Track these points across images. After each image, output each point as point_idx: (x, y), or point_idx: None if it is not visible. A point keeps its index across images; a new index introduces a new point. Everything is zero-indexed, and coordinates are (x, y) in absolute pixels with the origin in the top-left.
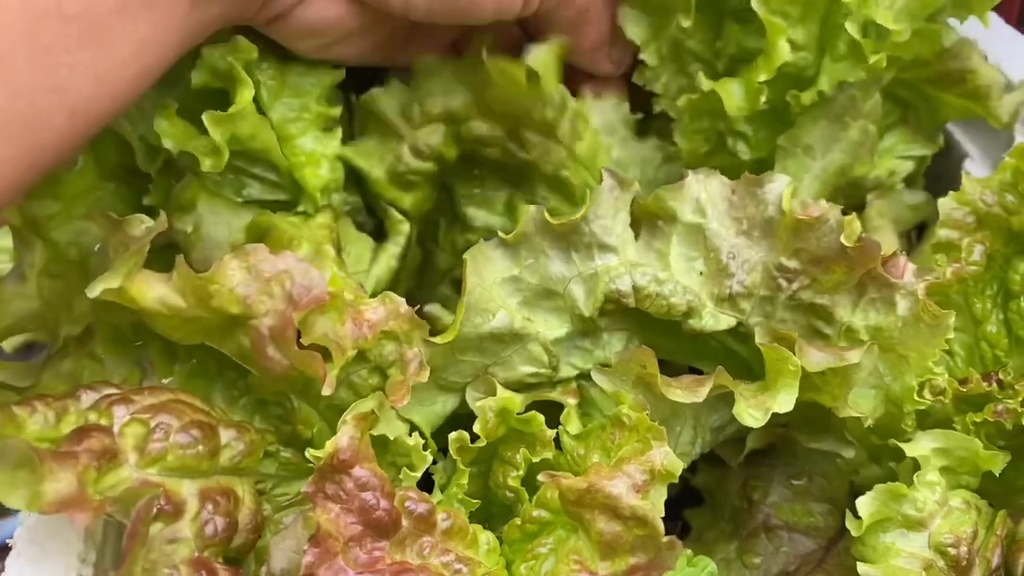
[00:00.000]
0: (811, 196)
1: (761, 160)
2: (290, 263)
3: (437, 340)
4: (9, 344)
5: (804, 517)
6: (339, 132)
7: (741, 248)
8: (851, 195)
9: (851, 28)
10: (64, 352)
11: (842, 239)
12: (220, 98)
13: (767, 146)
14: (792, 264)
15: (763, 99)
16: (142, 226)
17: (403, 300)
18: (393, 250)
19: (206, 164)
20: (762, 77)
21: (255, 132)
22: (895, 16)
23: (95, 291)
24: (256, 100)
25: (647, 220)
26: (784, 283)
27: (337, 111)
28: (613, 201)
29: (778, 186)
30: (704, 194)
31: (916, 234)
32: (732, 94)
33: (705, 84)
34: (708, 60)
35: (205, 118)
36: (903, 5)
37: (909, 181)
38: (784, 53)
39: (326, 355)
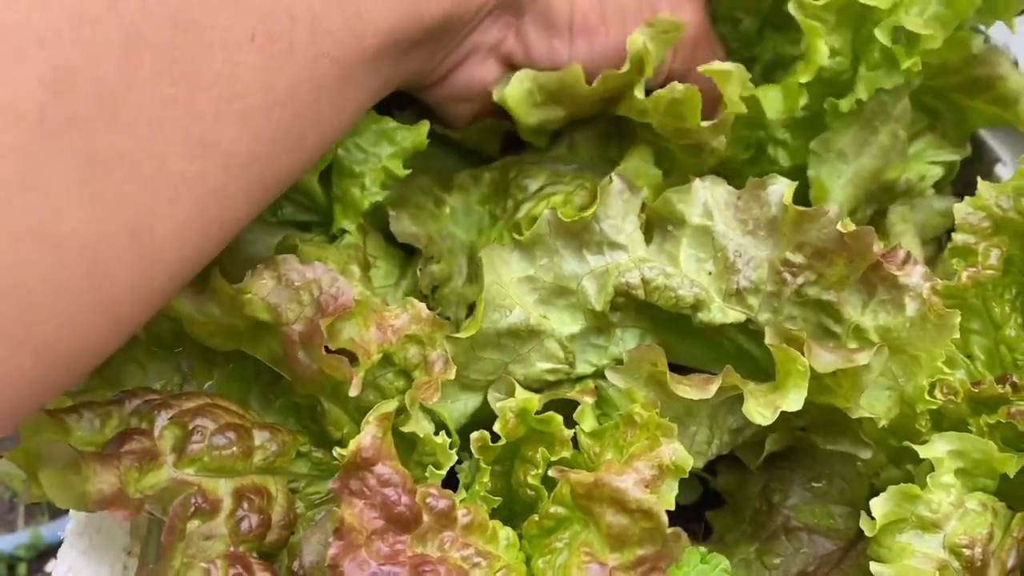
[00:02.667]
0: (844, 200)
1: (800, 167)
2: (319, 273)
3: (460, 335)
4: None
5: (824, 519)
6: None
7: (747, 247)
8: (883, 199)
9: (881, 35)
10: (110, 358)
11: (839, 228)
12: None
13: (805, 153)
14: (796, 259)
15: (802, 103)
16: None
17: (424, 305)
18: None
19: None
20: (803, 79)
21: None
22: (925, 23)
23: None
24: None
25: (657, 223)
26: (789, 277)
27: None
28: (622, 203)
29: (780, 187)
30: (711, 198)
31: (946, 239)
32: (771, 99)
33: (744, 91)
34: (746, 67)
35: None
36: (934, 12)
37: (939, 187)
38: (823, 56)
39: (353, 359)
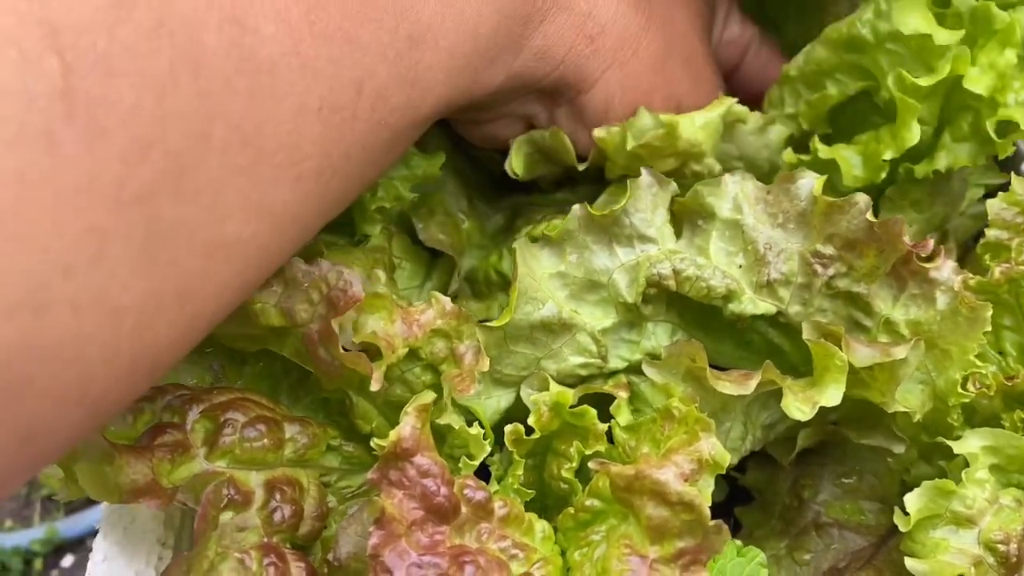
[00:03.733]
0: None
1: None
2: (324, 269)
3: (493, 323)
4: None
5: (855, 515)
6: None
7: (777, 239)
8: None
9: (990, 126)
10: None
11: (869, 217)
12: None
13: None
14: (826, 250)
15: (883, 176)
16: None
17: (448, 299)
18: (448, 264)
19: None
20: (887, 156)
21: None
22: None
23: None
24: None
25: (687, 218)
26: (820, 269)
27: None
28: (651, 197)
29: (810, 180)
30: (740, 192)
31: (972, 241)
32: (851, 164)
33: (822, 150)
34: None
35: None
36: None
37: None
38: (915, 136)
39: (377, 353)
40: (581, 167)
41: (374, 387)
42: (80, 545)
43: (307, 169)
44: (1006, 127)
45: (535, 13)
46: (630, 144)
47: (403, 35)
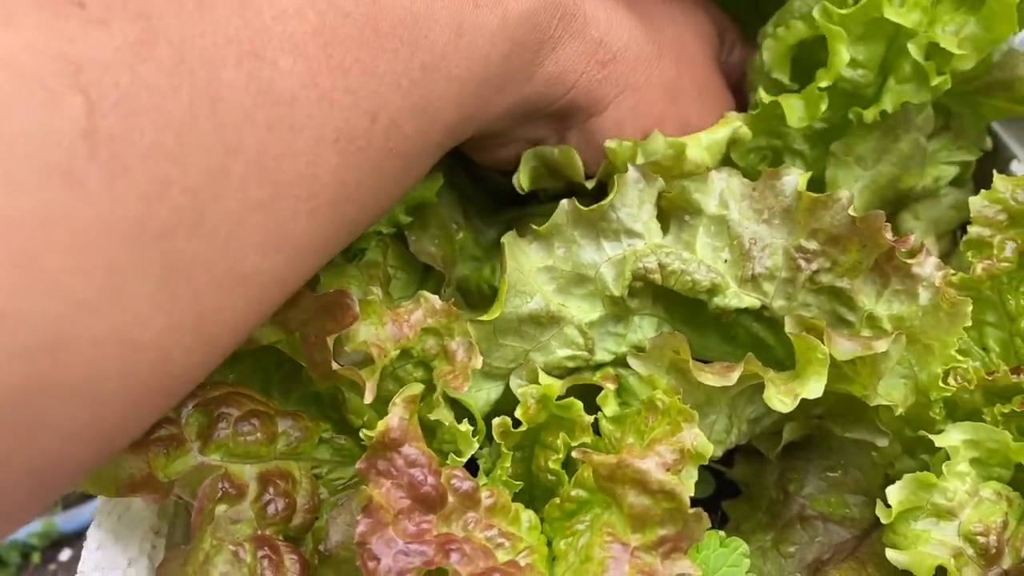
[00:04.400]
0: (860, 205)
1: (818, 180)
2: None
3: (483, 318)
4: None
5: (839, 508)
6: None
7: (762, 234)
8: (897, 203)
9: (914, 50)
10: None
11: (851, 212)
12: None
13: (823, 164)
14: (810, 245)
15: (823, 109)
16: None
17: (437, 297)
18: (442, 273)
19: None
20: (823, 84)
21: None
22: (960, 43)
23: None
24: None
25: (674, 213)
26: (803, 263)
27: None
28: (638, 192)
29: (794, 177)
30: (726, 188)
31: (961, 234)
32: (793, 108)
33: (765, 98)
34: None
35: None
36: (969, 33)
37: (955, 182)
38: (844, 59)
39: (369, 358)
40: (589, 184)
41: (367, 398)
42: (77, 539)
43: (324, 200)
44: (940, 60)
45: (547, 41)
46: (639, 160)
47: (416, 64)
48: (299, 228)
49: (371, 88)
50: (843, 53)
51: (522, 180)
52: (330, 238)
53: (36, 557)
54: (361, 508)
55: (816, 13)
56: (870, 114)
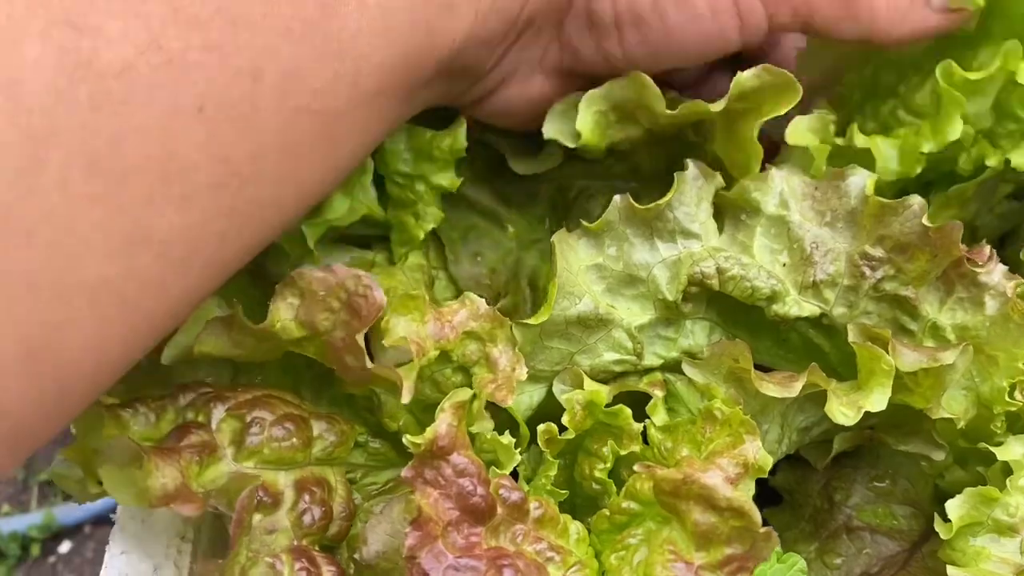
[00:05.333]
0: None
1: None
2: (340, 275)
3: (530, 321)
4: None
5: (887, 519)
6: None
7: (825, 239)
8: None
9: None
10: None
11: (924, 221)
12: None
13: None
14: (876, 252)
15: (918, 171)
16: None
17: (483, 300)
18: None
19: (296, 254)
20: (926, 148)
21: (352, 213)
22: None
23: (169, 357)
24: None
25: (731, 213)
26: (868, 271)
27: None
28: (696, 190)
29: (860, 179)
30: (787, 187)
31: (999, 242)
32: (887, 157)
33: (859, 139)
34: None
35: (304, 228)
36: None
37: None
38: (957, 132)
39: (406, 357)
40: (673, 111)
41: (405, 398)
42: (77, 532)
43: (196, 184)
44: None
45: None
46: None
47: (310, 3)
48: (164, 222)
49: (243, 40)
50: (958, 125)
51: (586, 132)
52: (233, 228)
53: (36, 549)
54: (410, 520)
55: (938, 73)
56: (966, 167)
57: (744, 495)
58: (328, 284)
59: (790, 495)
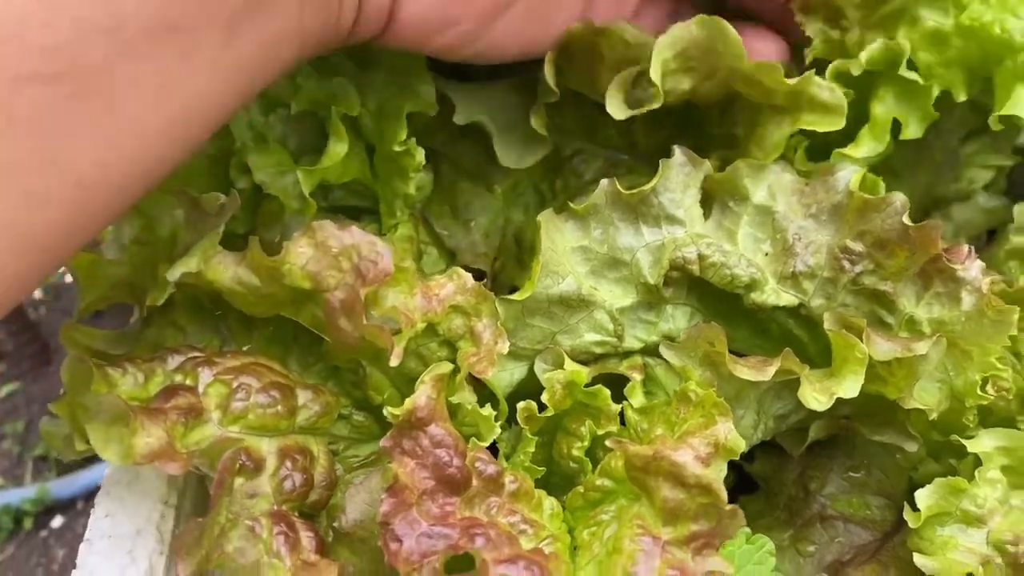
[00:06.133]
0: None
1: None
2: (357, 237)
3: (514, 297)
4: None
5: (861, 509)
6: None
7: (808, 231)
8: (930, 208)
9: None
10: (148, 321)
11: (905, 219)
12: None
13: None
14: (856, 247)
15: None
16: (217, 204)
17: (470, 275)
18: None
19: (292, 207)
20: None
21: (346, 170)
22: None
23: (175, 274)
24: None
25: (719, 197)
26: (847, 265)
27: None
28: (683, 177)
29: (848, 173)
30: (776, 179)
31: (987, 237)
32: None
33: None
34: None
35: (299, 173)
36: None
37: (988, 187)
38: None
39: (395, 328)
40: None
41: (393, 362)
42: (71, 507)
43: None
44: None
45: None
46: None
47: None
48: None
49: None
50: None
51: (660, 81)
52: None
53: (28, 522)
54: (385, 487)
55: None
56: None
57: (712, 473)
58: (343, 243)
59: (766, 483)
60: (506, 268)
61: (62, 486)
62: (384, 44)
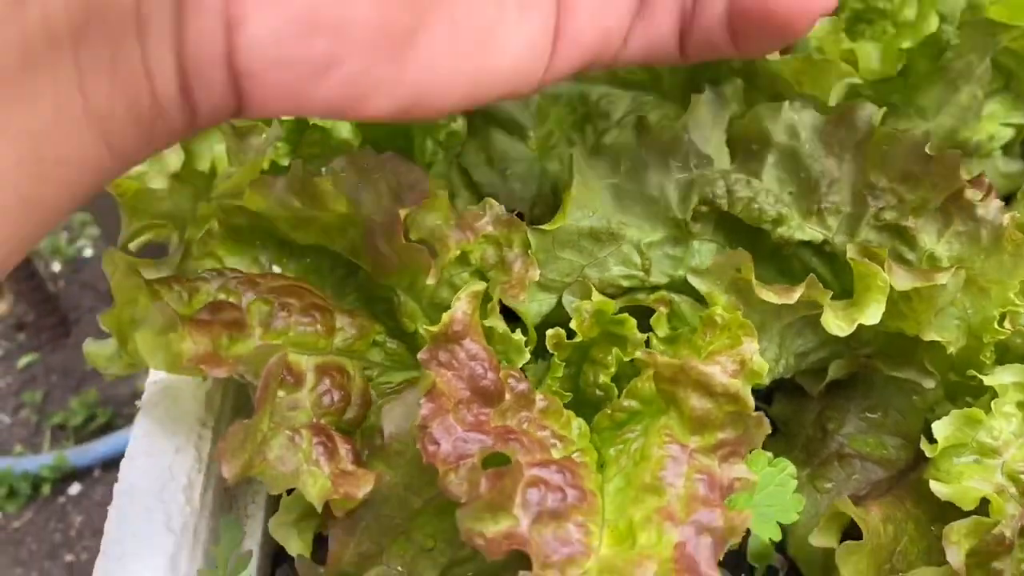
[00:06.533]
0: None
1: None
2: (394, 162)
3: (545, 227)
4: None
5: (877, 449)
6: None
7: (831, 168)
8: None
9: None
10: (187, 253)
11: (927, 149)
12: None
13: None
14: (879, 181)
15: (899, 67)
16: (262, 136)
17: (503, 208)
18: None
19: (336, 138)
20: (905, 44)
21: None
22: None
23: (218, 193)
24: None
25: (742, 141)
26: (870, 200)
27: None
28: (712, 115)
29: (868, 111)
30: (798, 120)
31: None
32: (870, 57)
33: (843, 41)
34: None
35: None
36: None
37: (1007, 149)
38: (933, 25)
39: (431, 251)
40: None
41: (430, 281)
42: (87, 475)
43: None
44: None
45: None
46: None
47: None
48: None
49: None
50: (934, 20)
51: None
52: None
53: (46, 488)
54: (423, 393)
55: None
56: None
57: (740, 382)
58: (383, 167)
59: (785, 426)
60: (544, 218)
61: (79, 454)
62: (250, 116)
